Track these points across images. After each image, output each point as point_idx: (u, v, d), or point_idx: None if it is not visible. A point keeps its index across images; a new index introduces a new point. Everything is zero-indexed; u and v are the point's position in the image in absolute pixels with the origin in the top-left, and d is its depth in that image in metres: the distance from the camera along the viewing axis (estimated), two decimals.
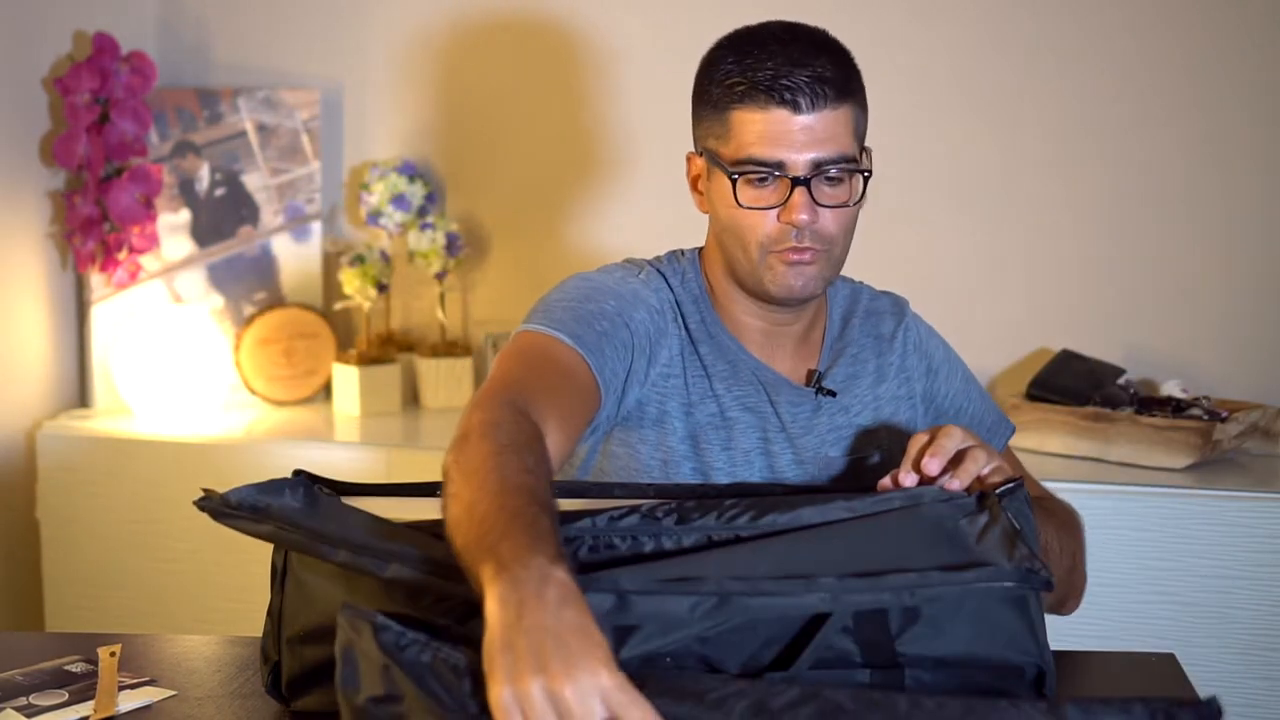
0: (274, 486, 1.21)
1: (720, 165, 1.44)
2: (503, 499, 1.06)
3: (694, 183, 1.52)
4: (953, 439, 1.28)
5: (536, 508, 1.05)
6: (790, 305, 1.50)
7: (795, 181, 1.40)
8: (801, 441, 1.51)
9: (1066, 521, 1.54)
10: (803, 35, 1.44)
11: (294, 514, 1.18)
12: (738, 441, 1.49)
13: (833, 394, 1.53)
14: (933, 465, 1.26)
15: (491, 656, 0.91)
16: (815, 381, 1.54)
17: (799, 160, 1.40)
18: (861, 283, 1.66)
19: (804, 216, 1.41)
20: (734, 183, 1.42)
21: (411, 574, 1.09)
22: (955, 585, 1.08)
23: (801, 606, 1.06)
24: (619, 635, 1.06)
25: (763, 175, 1.41)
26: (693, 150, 1.51)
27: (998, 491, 1.20)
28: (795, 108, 1.40)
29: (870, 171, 1.47)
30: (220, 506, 1.18)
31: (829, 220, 1.43)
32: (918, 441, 1.30)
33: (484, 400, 1.26)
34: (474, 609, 1.08)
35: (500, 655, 0.91)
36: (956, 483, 1.24)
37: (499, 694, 0.90)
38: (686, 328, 1.51)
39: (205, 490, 1.20)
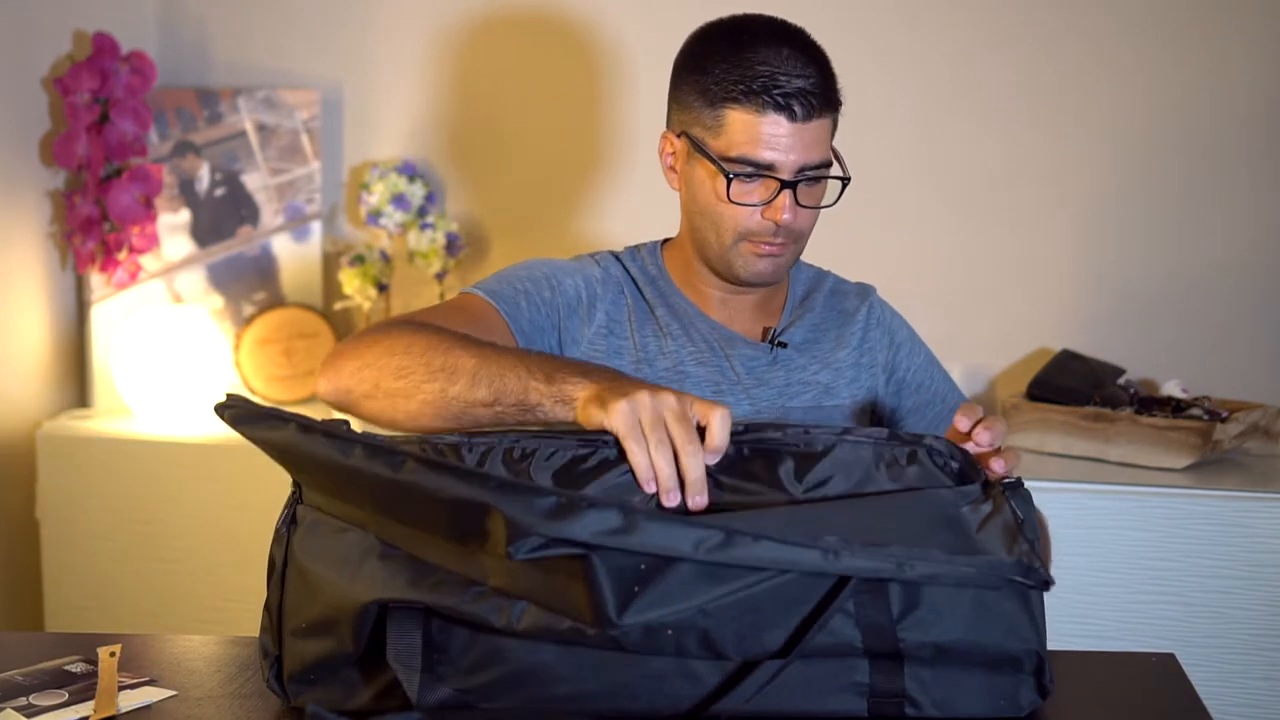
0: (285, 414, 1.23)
1: (706, 155, 1.52)
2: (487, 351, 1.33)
3: (668, 161, 1.60)
4: (1002, 423, 1.29)
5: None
6: (755, 288, 1.60)
7: (784, 184, 1.50)
8: (757, 392, 1.59)
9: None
10: (793, 39, 1.52)
11: (309, 420, 1.18)
12: (689, 392, 1.53)
13: (785, 345, 1.61)
14: (985, 437, 1.26)
15: (603, 396, 1.19)
16: (771, 336, 1.62)
17: (789, 163, 1.50)
18: (830, 271, 1.73)
19: (787, 216, 1.51)
20: (729, 180, 1.51)
21: (425, 477, 1.09)
22: (955, 567, 1.09)
23: (803, 561, 1.07)
24: (623, 594, 1.07)
25: (752, 174, 1.50)
26: (668, 130, 1.59)
27: (1003, 484, 1.21)
28: (791, 115, 1.49)
29: (850, 178, 1.56)
30: (242, 411, 1.18)
31: (804, 219, 1.54)
32: (973, 411, 1.29)
33: (381, 324, 1.42)
34: (471, 583, 1.09)
35: (610, 390, 1.20)
36: (1001, 464, 1.24)
37: (616, 405, 1.17)
38: (642, 296, 1.62)
39: (228, 394, 1.22)
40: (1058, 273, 2.57)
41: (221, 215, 2.72)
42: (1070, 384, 2.41)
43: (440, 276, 2.66)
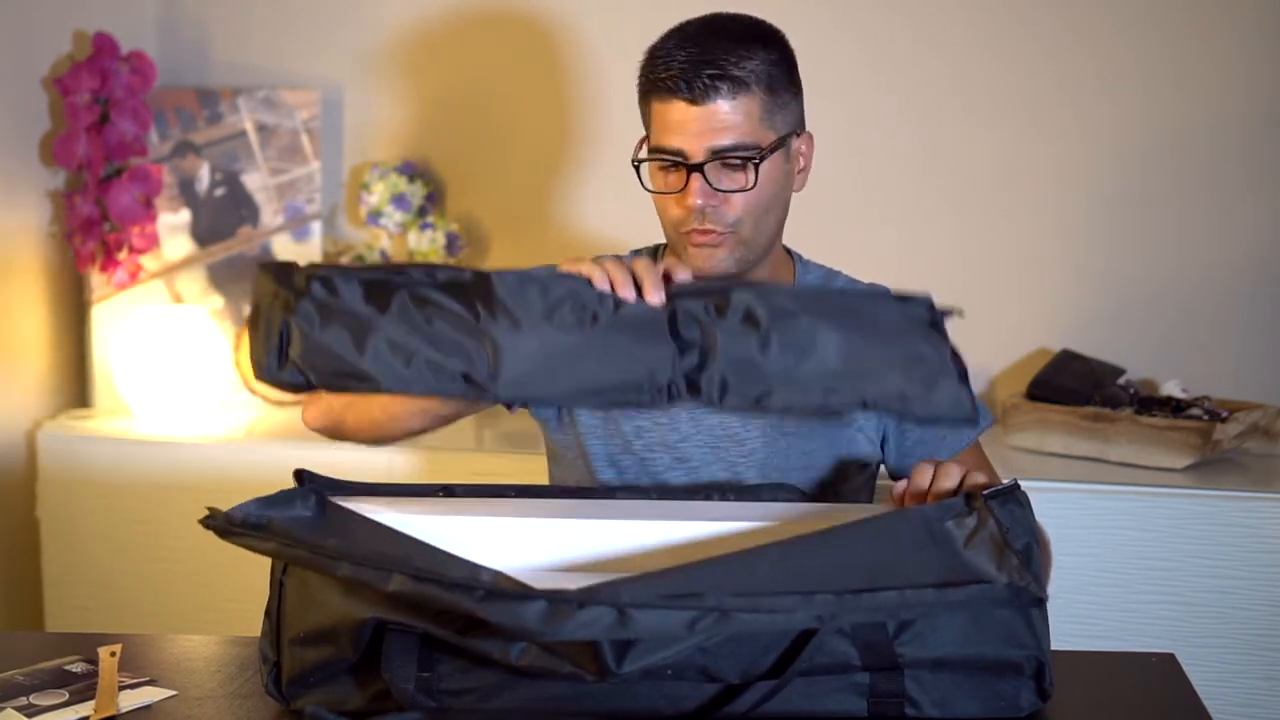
0: (282, 498, 1.23)
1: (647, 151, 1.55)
2: None
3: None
4: (951, 478, 1.32)
5: None
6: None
7: (690, 168, 1.49)
8: (757, 421, 1.58)
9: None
10: (723, 28, 1.52)
11: (297, 529, 1.18)
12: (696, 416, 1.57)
13: None
14: (947, 484, 1.32)
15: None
16: None
17: (697, 148, 1.49)
18: (840, 271, 1.69)
19: (698, 201, 1.50)
20: (637, 168, 1.54)
21: (413, 588, 1.09)
22: (946, 604, 1.10)
23: (797, 622, 1.09)
24: (619, 648, 1.07)
25: (665, 164, 1.51)
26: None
27: (986, 493, 1.20)
28: (690, 99, 1.48)
29: (764, 159, 1.50)
30: (224, 525, 1.19)
31: (732, 204, 1.51)
32: (924, 473, 1.33)
33: None
34: (474, 623, 1.09)
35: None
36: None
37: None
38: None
39: (210, 509, 1.21)
40: (1057, 273, 2.57)
41: (221, 215, 2.72)
42: (1070, 384, 2.41)
43: None
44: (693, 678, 1.13)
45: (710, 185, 1.49)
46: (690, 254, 1.53)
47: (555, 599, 1.05)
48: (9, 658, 1.32)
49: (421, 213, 2.66)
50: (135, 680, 1.28)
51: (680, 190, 1.50)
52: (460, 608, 1.07)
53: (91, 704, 1.22)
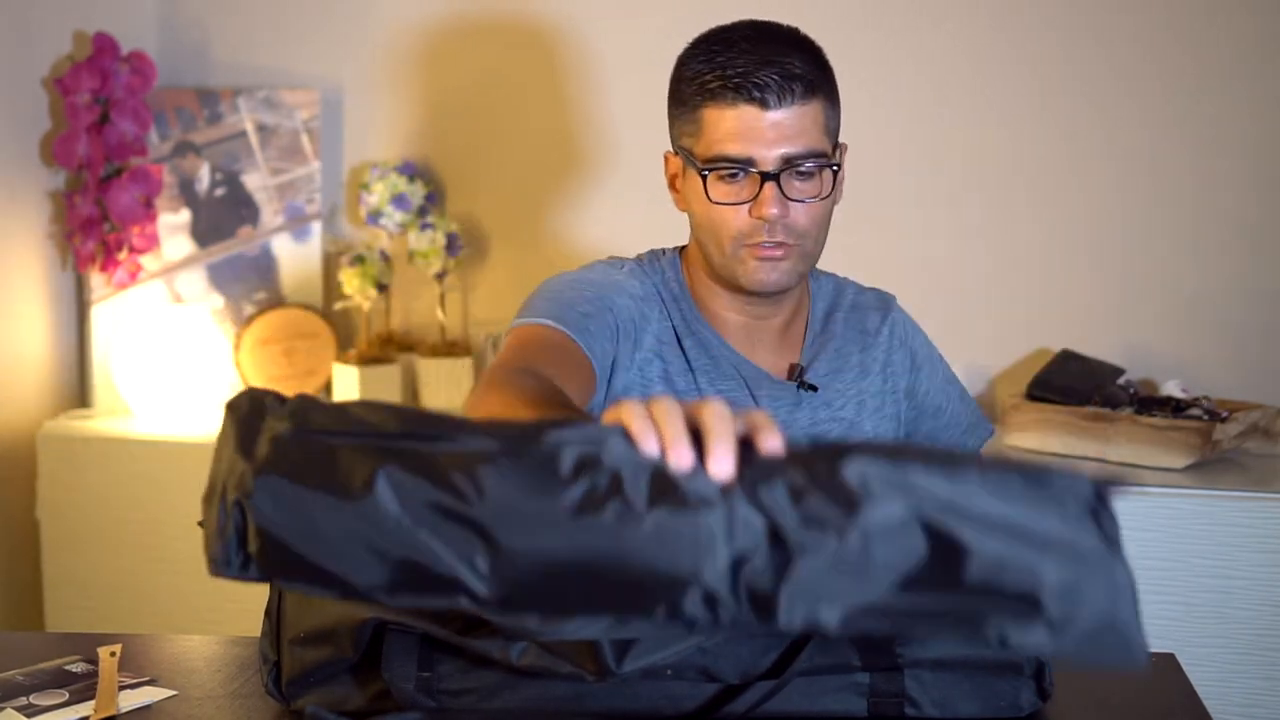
0: None
1: (693, 162, 1.47)
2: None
3: (672, 182, 1.55)
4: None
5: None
6: (765, 297, 1.52)
7: (765, 176, 1.43)
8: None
9: None
10: (772, 33, 1.47)
11: None
12: None
13: (814, 388, 1.55)
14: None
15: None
16: (797, 375, 1.56)
17: (769, 155, 1.43)
18: (847, 278, 1.67)
19: (774, 211, 1.43)
20: (704, 178, 1.45)
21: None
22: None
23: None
24: (619, 648, 1.07)
25: (733, 171, 1.44)
26: (670, 150, 1.54)
27: None
28: (764, 104, 1.42)
29: (839, 166, 1.48)
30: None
31: (800, 214, 1.46)
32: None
33: (495, 371, 1.31)
34: (474, 622, 1.09)
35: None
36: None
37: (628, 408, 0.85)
38: (670, 320, 1.54)
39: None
40: (1057, 273, 2.57)
41: (221, 215, 2.72)
42: (1070, 384, 2.41)
43: (440, 276, 2.66)
44: (692, 677, 1.13)
45: (784, 194, 1.44)
46: (753, 267, 1.47)
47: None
48: (9, 658, 1.32)
49: (421, 213, 2.66)
50: (135, 680, 1.28)
51: (749, 201, 1.44)
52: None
53: (91, 704, 1.22)
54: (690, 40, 1.51)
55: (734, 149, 1.43)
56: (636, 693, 1.15)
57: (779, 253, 1.46)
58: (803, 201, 1.45)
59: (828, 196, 1.47)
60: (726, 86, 1.42)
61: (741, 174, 1.44)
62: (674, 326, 1.54)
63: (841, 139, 1.52)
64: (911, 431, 1.62)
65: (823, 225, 1.49)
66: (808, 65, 1.44)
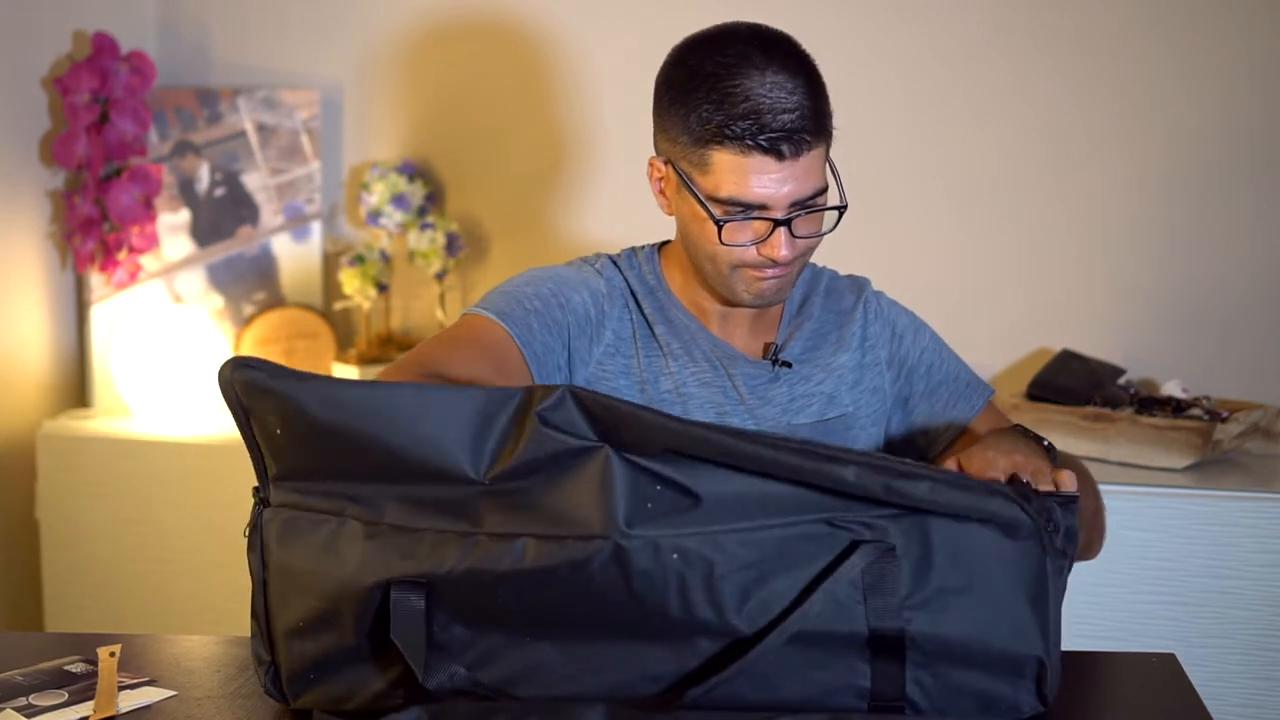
0: None
1: (694, 193, 1.47)
2: None
3: (659, 188, 1.55)
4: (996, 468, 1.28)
5: None
6: (759, 308, 1.57)
7: (777, 223, 1.45)
8: (761, 412, 1.55)
9: (1083, 473, 1.53)
10: (776, 60, 1.45)
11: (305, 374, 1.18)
12: (694, 415, 1.53)
13: (789, 365, 1.57)
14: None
15: None
16: (773, 353, 1.58)
17: (780, 200, 1.44)
18: (825, 267, 1.69)
19: (785, 253, 1.46)
20: (718, 224, 1.45)
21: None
22: (974, 511, 1.10)
23: (836, 476, 1.11)
24: (636, 504, 1.09)
25: (744, 216, 1.45)
26: (655, 156, 1.54)
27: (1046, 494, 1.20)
28: (779, 155, 1.43)
29: (846, 205, 1.50)
30: (257, 373, 1.19)
31: (804, 247, 1.49)
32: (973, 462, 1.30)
33: (408, 363, 1.39)
34: (466, 535, 1.11)
35: None
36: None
37: None
38: (641, 311, 1.57)
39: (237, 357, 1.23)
40: (1058, 273, 2.57)
41: (221, 215, 2.72)
42: (1070, 384, 2.41)
43: (440, 276, 2.66)
44: (698, 585, 1.10)
45: (792, 234, 1.46)
46: (751, 284, 1.50)
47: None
48: (9, 658, 1.32)
49: (421, 213, 2.66)
50: (135, 680, 1.28)
51: (758, 241, 1.46)
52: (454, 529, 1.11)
53: (91, 704, 1.22)
54: (681, 45, 1.51)
55: (748, 195, 1.44)
56: (635, 693, 1.15)
57: (780, 273, 1.49)
58: (807, 238, 1.48)
59: (831, 230, 1.50)
60: (741, 136, 1.42)
61: (751, 219, 1.45)
62: (645, 317, 1.57)
63: (834, 136, 1.51)
64: (906, 395, 1.61)
65: (816, 247, 1.53)
66: (814, 101, 1.45)
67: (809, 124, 1.43)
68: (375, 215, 2.64)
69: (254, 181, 2.71)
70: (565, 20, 2.66)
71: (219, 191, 2.71)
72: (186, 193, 2.71)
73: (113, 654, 1.30)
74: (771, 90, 1.42)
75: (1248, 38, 2.47)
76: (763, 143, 1.42)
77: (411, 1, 2.72)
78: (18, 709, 1.21)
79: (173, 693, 1.26)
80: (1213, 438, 2.25)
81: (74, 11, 2.63)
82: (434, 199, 2.70)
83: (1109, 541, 2.16)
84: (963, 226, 2.59)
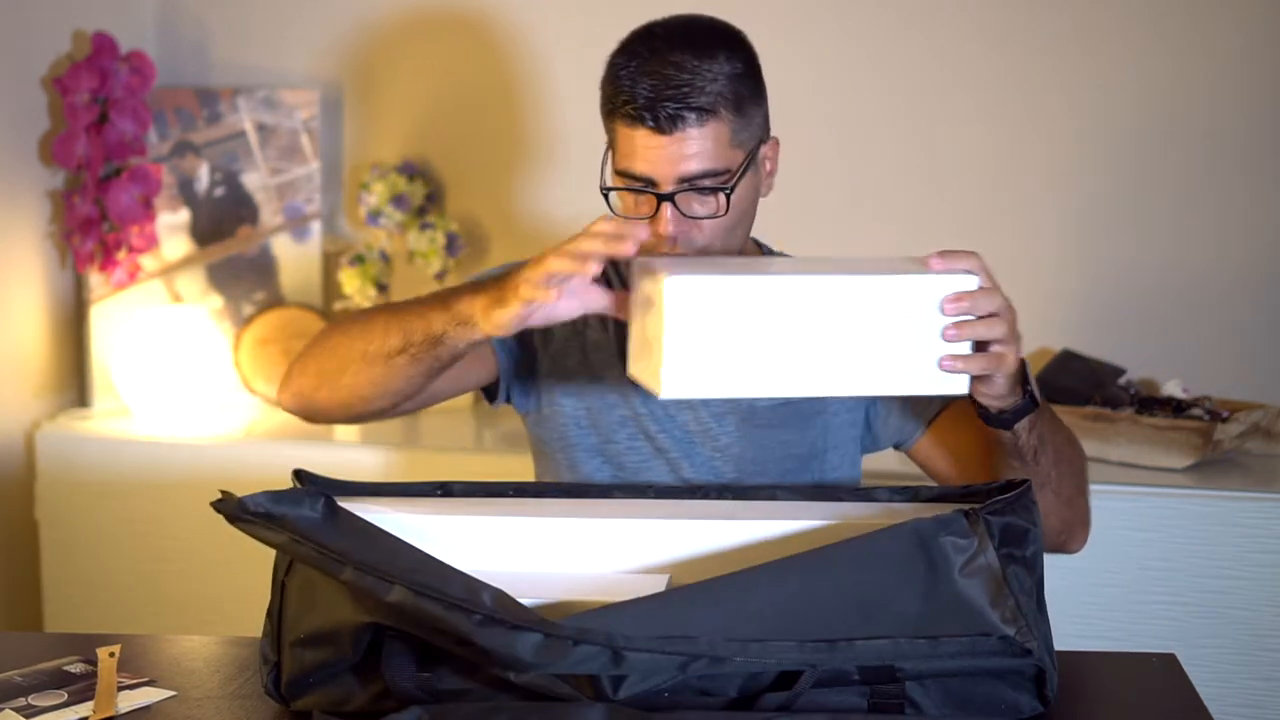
0: (292, 496, 1.21)
1: (610, 165, 1.51)
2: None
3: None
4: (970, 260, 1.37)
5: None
6: None
7: (660, 197, 1.46)
8: (717, 404, 1.59)
9: (1067, 443, 1.53)
10: (689, 39, 1.47)
11: (307, 527, 1.18)
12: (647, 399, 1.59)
13: None
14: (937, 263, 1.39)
15: (497, 295, 1.35)
16: None
17: (667, 176, 1.45)
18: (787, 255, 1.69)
19: (670, 230, 1.46)
20: (605, 195, 1.50)
21: (414, 602, 1.10)
22: (939, 656, 1.12)
23: (789, 665, 1.12)
24: (615, 677, 1.10)
25: (635, 188, 1.48)
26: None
27: (990, 504, 1.19)
28: (659, 129, 1.44)
29: (732, 189, 1.47)
30: (237, 511, 1.18)
31: (699, 231, 1.48)
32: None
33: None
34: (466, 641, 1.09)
35: (499, 287, 1.36)
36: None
37: (515, 292, 1.33)
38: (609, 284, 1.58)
39: (223, 493, 1.20)
40: (1057, 273, 2.57)
41: (221, 215, 2.71)
42: (1070, 384, 2.41)
43: (440, 276, 2.66)
44: (691, 698, 1.14)
45: (681, 213, 1.46)
46: None
47: (551, 633, 1.07)
48: (8, 658, 1.32)
49: (421, 212, 2.66)
50: (134, 681, 1.28)
51: (649, 217, 1.47)
52: (458, 630, 1.08)
53: (90, 705, 1.22)
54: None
55: (635, 167, 1.47)
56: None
57: (681, 252, 1.49)
58: (702, 218, 1.47)
59: (725, 213, 1.48)
60: (626, 106, 1.45)
61: (640, 191, 1.48)
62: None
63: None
64: None
65: (726, 234, 1.50)
66: (715, 80, 1.45)
67: (689, 101, 1.43)
68: (375, 215, 2.64)
69: (254, 181, 2.71)
70: (566, 20, 2.66)
71: (218, 191, 2.71)
72: (186, 193, 2.71)
73: (112, 654, 1.30)
74: (662, 67, 1.44)
75: (1247, 35, 2.47)
76: (641, 114, 1.44)
77: (411, 1, 2.72)
78: (17, 709, 1.21)
79: (172, 693, 1.25)
80: (1213, 438, 2.25)
81: (73, 11, 2.63)
82: (434, 199, 2.70)
83: (1109, 541, 2.17)
84: (962, 226, 2.59)
